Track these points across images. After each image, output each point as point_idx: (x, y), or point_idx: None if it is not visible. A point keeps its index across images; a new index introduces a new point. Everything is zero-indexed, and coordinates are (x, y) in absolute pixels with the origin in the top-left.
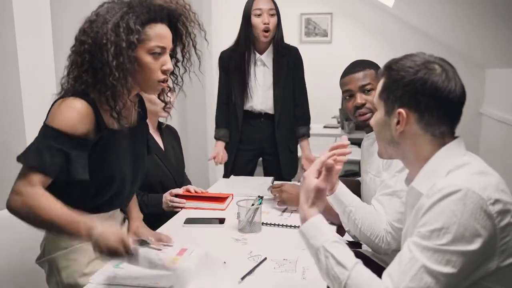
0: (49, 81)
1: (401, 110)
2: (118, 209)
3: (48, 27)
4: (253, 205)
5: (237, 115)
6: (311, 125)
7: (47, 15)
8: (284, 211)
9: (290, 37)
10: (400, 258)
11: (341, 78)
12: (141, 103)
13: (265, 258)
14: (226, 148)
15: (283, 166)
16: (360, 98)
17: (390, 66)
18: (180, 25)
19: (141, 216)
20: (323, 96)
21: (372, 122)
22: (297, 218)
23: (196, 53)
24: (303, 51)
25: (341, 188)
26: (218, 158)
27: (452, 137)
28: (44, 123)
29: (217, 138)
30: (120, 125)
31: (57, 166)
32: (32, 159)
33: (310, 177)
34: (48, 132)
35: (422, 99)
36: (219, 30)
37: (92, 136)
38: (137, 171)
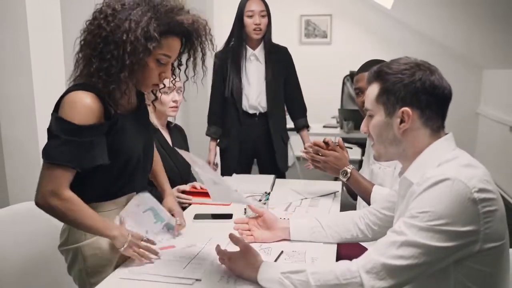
0: (59, 80)
1: (405, 109)
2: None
3: (58, 28)
4: (260, 200)
5: (238, 111)
6: (311, 124)
7: (57, 16)
8: (288, 207)
9: (290, 38)
10: (389, 233)
11: (355, 75)
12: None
13: (282, 252)
14: (222, 146)
15: (278, 158)
16: None
17: (381, 71)
18: (194, 39)
19: (173, 192)
20: (323, 96)
21: (363, 128)
22: (302, 213)
23: (202, 68)
24: (303, 52)
25: (294, 228)
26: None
27: (444, 131)
28: (59, 116)
29: (207, 134)
30: (121, 111)
31: (82, 158)
32: (58, 157)
33: (227, 256)
34: (65, 126)
35: (423, 97)
36: (221, 31)
37: (104, 122)
38: (148, 150)
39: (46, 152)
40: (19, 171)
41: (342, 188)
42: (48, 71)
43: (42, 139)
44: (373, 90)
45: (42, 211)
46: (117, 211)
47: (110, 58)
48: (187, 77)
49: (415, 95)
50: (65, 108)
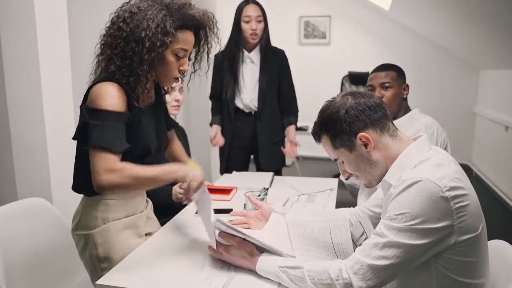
0: (66, 80)
1: (360, 134)
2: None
3: (65, 29)
4: (259, 195)
5: (229, 110)
6: (310, 123)
7: (64, 17)
8: (286, 202)
9: (290, 39)
10: (372, 235)
11: (369, 75)
12: (156, 86)
13: None
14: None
15: (264, 158)
16: (378, 92)
17: (320, 125)
18: (202, 33)
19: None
20: (321, 96)
21: (344, 174)
22: (299, 208)
23: (207, 60)
24: (302, 53)
25: (290, 222)
26: (215, 141)
27: (397, 130)
28: (91, 107)
29: (211, 123)
30: (140, 104)
31: (118, 141)
32: (101, 141)
33: (223, 248)
34: (100, 113)
35: (363, 117)
36: (221, 34)
37: (127, 112)
38: (161, 143)
39: (91, 139)
40: (27, 168)
41: (338, 184)
42: (56, 71)
43: (50, 138)
44: (325, 142)
45: (48, 207)
46: (122, 201)
47: (131, 55)
48: (194, 69)
49: (358, 120)
50: (95, 98)
